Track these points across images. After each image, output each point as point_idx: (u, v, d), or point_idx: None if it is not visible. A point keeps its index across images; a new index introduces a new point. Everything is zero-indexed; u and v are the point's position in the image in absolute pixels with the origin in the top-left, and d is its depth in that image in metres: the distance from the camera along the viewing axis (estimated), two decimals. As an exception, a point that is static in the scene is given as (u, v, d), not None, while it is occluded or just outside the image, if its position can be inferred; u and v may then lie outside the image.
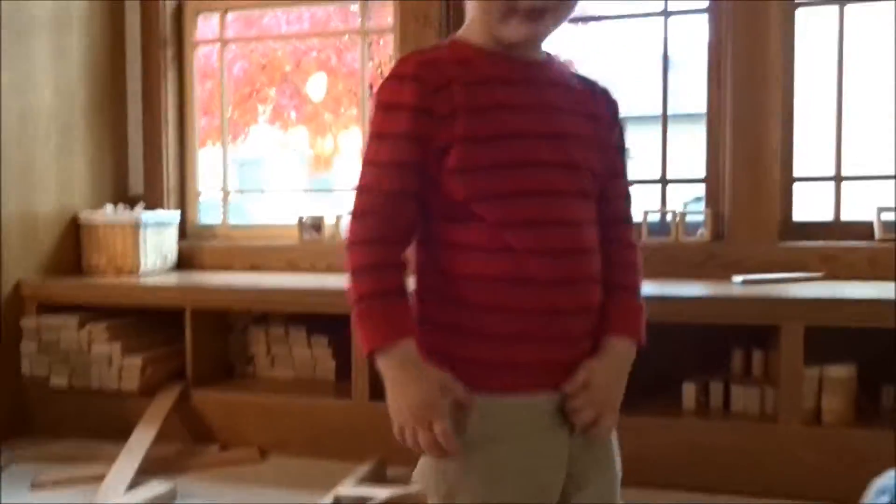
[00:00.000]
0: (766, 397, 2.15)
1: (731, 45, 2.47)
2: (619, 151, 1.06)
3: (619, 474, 1.05)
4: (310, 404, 2.43)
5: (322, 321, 2.61)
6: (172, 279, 2.72)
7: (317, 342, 2.63)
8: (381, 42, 4.66)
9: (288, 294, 2.49)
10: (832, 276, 2.35)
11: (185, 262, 2.97)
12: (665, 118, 2.64)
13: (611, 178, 1.04)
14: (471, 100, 0.93)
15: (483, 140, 0.93)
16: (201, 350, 2.57)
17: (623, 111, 1.08)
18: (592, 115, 1.02)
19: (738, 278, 2.29)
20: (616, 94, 1.08)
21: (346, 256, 0.93)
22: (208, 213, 3.20)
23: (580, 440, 0.98)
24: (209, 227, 3.09)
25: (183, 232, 3.01)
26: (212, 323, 2.63)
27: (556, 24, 0.97)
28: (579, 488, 0.98)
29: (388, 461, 2.21)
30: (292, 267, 2.85)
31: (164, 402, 2.43)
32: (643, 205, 2.60)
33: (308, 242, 2.86)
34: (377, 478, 2.13)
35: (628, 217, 1.07)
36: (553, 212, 0.95)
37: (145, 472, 2.14)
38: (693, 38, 2.80)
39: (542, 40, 1.00)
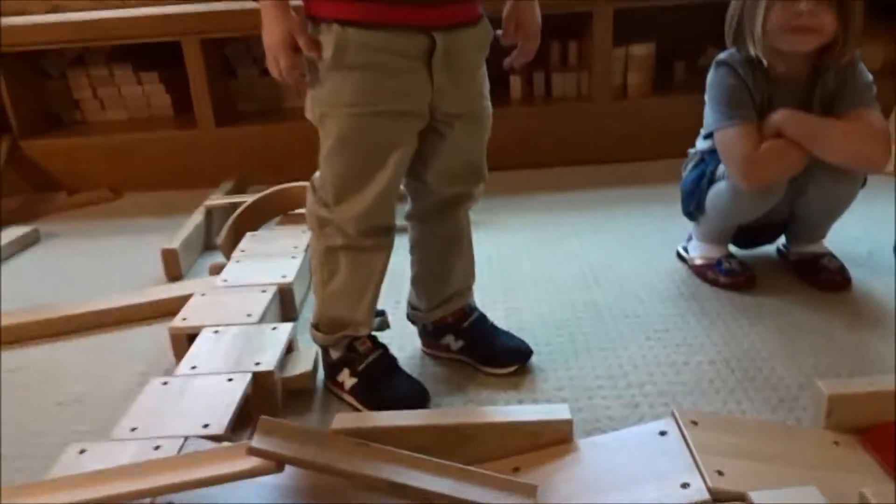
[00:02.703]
0: (581, 81, 2.43)
1: None
2: None
3: (488, 122, 1.22)
4: (154, 139, 2.41)
5: (148, 56, 2.51)
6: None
7: (147, 79, 2.55)
8: None
9: (107, 24, 2.33)
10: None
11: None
12: None
13: None
14: None
15: None
16: (19, 100, 2.42)
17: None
18: None
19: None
20: None
21: None
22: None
23: (448, 80, 1.13)
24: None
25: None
26: (23, 70, 2.45)
27: None
28: (450, 126, 1.15)
29: (247, 181, 2.31)
30: (101, 4, 2.63)
31: (-6, 156, 2.32)
32: None
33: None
34: (241, 192, 2.22)
35: None
36: None
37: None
38: None
39: None
